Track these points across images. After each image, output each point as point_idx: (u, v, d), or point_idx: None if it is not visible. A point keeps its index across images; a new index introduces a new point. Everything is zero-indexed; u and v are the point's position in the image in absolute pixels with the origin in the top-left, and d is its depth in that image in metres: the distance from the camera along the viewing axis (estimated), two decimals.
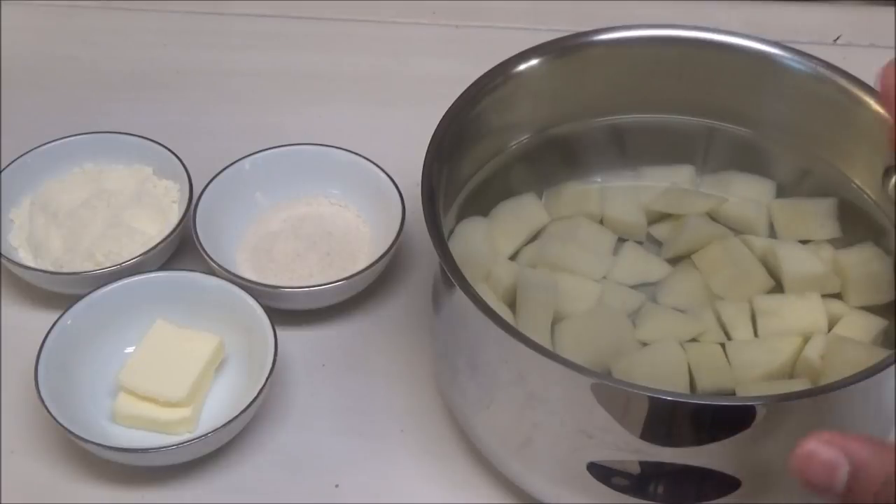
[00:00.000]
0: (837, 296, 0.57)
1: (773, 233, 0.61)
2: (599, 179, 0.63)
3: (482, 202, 0.61)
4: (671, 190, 0.63)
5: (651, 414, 0.46)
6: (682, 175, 0.63)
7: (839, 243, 0.59)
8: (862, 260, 0.58)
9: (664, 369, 0.54)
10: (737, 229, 0.61)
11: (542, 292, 0.57)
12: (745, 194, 0.62)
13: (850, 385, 0.45)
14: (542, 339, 0.55)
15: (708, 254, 0.59)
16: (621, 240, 0.61)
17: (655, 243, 0.61)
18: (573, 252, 0.59)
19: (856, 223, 0.59)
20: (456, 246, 0.58)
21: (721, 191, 0.62)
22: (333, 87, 0.80)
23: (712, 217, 0.61)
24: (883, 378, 0.46)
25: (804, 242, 0.59)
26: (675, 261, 0.60)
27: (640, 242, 0.61)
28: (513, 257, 0.60)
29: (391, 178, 0.67)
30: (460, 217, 0.59)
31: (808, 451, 0.38)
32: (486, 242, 0.60)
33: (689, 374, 0.54)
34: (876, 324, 0.55)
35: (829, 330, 0.55)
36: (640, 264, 0.60)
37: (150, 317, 0.60)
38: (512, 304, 0.57)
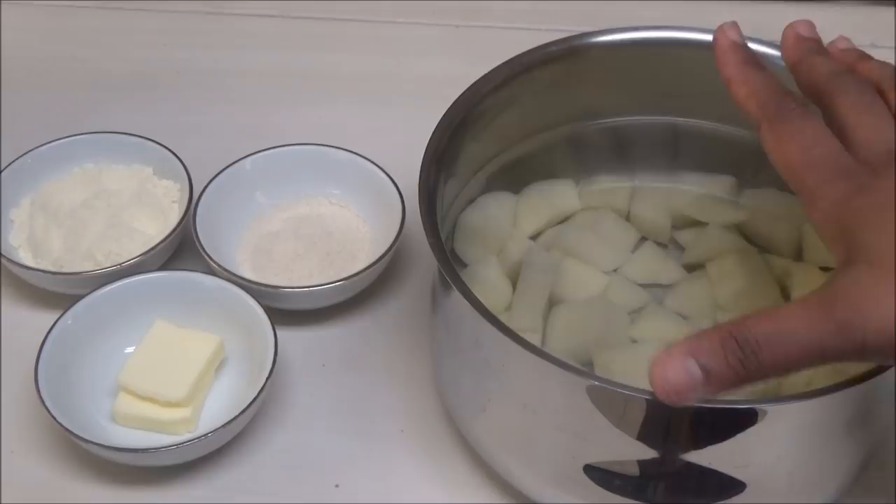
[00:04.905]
0: None
1: (801, 256, 0.59)
2: (637, 179, 0.63)
3: (515, 179, 0.61)
4: (705, 197, 0.62)
5: (647, 416, 0.46)
6: (721, 185, 0.63)
7: None
8: None
9: (642, 369, 0.54)
10: (763, 246, 0.60)
11: (542, 274, 0.57)
12: (780, 213, 0.60)
13: (849, 388, 0.45)
14: (533, 320, 0.56)
15: (722, 264, 0.59)
16: (645, 239, 0.61)
17: (680, 249, 0.61)
18: (589, 241, 0.59)
19: None
20: (475, 216, 0.58)
21: (758, 206, 0.61)
22: (333, 87, 0.80)
23: (742, 231, 0.61)
24: (883, 380, 0.46)
25: (828, 269, 0.58)
26: (692, 268, 0.60)
27: (664, 245, 0.61)
28: (535, 238, 0.60)
29: (391, 178, 0.67)
30: (488, 188, 0.60)
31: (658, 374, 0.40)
32: (508, 217, 0.60)
33: None
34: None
35: None
36: (654, 265, 0.60)
37: (150, 317, 0.60)
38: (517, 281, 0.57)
